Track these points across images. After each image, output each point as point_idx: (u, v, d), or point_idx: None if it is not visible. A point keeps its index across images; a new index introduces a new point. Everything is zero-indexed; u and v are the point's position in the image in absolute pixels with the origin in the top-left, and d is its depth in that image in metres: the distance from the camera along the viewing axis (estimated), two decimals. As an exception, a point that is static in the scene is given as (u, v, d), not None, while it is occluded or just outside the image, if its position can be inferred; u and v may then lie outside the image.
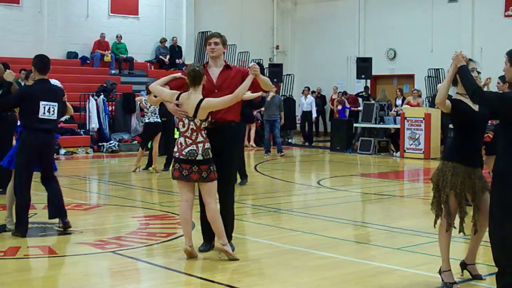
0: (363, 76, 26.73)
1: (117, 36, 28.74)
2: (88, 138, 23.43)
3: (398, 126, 22.67)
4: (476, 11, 27.96)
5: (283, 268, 7.83)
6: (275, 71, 29.08)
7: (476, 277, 7.11)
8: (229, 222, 8.41)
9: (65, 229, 9.60)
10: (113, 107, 24.94)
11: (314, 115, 28.61)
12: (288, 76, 30.88)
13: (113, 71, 28.20)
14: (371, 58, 26.99)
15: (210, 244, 8.48)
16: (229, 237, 8.36)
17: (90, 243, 9.00)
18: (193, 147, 7.91)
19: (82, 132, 23.60)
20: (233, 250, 8.18)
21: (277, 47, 34.25)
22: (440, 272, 6.96)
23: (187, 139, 7.96)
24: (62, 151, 21.97)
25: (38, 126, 9.24)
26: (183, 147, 7.96)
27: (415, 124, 21.90)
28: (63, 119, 23.12)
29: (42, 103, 9.25)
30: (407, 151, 22.15)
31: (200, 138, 7.94)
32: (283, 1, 34.64)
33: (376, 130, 23.98)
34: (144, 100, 17.05)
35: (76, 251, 8.66)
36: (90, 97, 23.91)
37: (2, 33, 26.01)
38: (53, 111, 9.36)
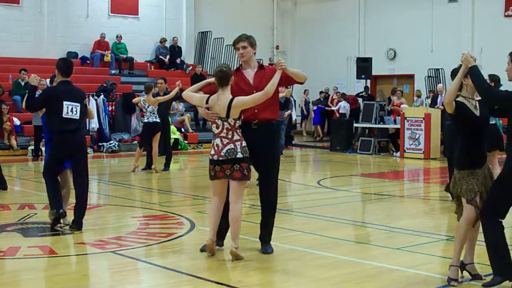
0: (363, 76, 26.73)
1: (117, 36, 28.73)
2: (88, 138, 23.41)
3: (398, 126, 22.67)
4: (476, 11, 27.96)
5: (283, 268, 7.82)
6: (275, 71, 28.92)
7: (476, 277, 7.11)
8: (269, 226, 8.56)
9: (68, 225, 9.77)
10: (113, 107, 24.96)
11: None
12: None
13: (113, 71, 28.19)
14: (371, 58, 27.00)
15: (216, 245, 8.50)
16: (267, 241, 8.51)
17: (90, 243, 9.00)
18: (231, 146, 7.92)
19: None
20: (271, 251, 8.39)
21: (277, 47, 34.25)
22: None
23: (223, 139, 7.96)
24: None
25: (63, 126, 9.55)
26: (220, 148, 7.96)
27: (415, 124, 21.90)
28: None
29: (65, 103, 9.57)
30: (407, 151, 22.16)
31: (236, 137, 7.95)
32: (283, 1, 34.65)
33: (376, 130, 24.01)
34: (143, 100, 17.05)
35: (76, 251, 8.67)
36: (90, 97, 23.88)
37: (2, 33, 26.02)
38: (76, 111, 9.68)
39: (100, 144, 23.58)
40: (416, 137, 21.86)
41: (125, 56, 28.78)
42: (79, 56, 28.20)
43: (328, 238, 9.47)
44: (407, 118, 22.14)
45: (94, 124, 23.72)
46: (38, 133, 20.00)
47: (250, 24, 32.06)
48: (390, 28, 30.33)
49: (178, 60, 30.16)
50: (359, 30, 31.96)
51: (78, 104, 9.72)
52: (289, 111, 21.48)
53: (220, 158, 7.94)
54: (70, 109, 9.59)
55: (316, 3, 33.73)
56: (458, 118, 6.96)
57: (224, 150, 7.92)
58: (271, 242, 8.55)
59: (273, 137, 8.44)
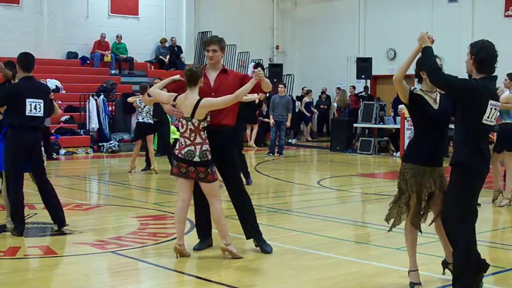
0: (363, 76, 26.75)
1: (117, 36, 28.74)
2: (88, 138, 23.45)
3: (398, 126, 22.67)
4: (476, 11, 27.95)
5: (283, 268, 7.83)
6: (275, 71, 29.05)
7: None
8: (250, 220, 8.54)
9: (59, 227, 9.58)
10: (113, 107, 24.96)
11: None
12: (288, 76, 30.86)
13: (113, 71, 28.20)
14: (371, 58, 27.01)
15: (205, 243, 8.57)
16: (259, 232, 8.52)
17: (90, 243, 9.00)
18: (191, 148, 7.92)
19: (82, 132, 23.60)
20: (270, 251, 8.38)
21: (277, 47, 34.23)
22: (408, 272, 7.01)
23: (186, 140, 7.98)
24: (62, 151, 21.98)
25: (25, 124, 9.21)
26: (182, 146, 7.98)
27: (415, 124, 21.85)
28: (62, 119, 23.18)
29: (28, 100, 9.24)
30: (407, 151, 22.12)
31: (198, 139, 7.93)
32: (283, 1, 34.63)
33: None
34: (139, 100, 17.05)
35: (76, 251, 8.66)
36: (90, 97, 23.92)
37: (2, 33, 26.01)
38: (40, 108, 9.34)
39: (100, 144, 23.58)
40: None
41: (125, 56, 28.79)
42: (79, 56, 28.22)
43: (328, 238, 9.48)
44: (407, 118, 22.11)
45: (94, 124, 23.73)
46: (45, 133, 20.02)
47: (250, 24, 32.11)
48: (390, 28, 30.31)
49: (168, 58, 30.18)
50: (359, 30, 31.95)
51: (42, 101, 9.39)
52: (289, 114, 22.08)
53: (180, 156, 7.97)
54: (33, 107, 9.26)
55: (316, 3, 33.72)
56: (413, 111, 6.88)
57: (184, 150, 7.94)
58: (272, 243, 8.56)
59: (227, 143, 8.41)
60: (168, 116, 17.27)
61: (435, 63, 6.50)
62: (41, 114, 9.38)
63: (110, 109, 24.72)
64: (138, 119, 17.50)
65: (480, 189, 6.54)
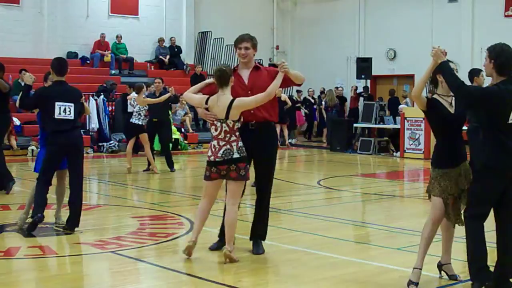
0: (363, 76, 26.76)
1: (117, 36, 28.74)
2: (88, 138, 23.42)
3: (398, 126, 22.67)
4: (476, 11, 27.95)
5: (283, 269, 7.83)
6: (275, 71, 28.91)
7: (452, 277, 7.12)
8: (265, 222, 8.60)
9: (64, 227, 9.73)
10: (113, 107, 24.95)
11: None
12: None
13: (113, 71, 28.19)
14: (371, 58, 27.02)
15: (222, 244, 8.46)
16: (263, 237, 8.53)
17: (90, 243, 9.01)
18: (227, 146, 7.86)
19: (82, 132, 23.57)
20: (262, 252, 8.39)
21: (277, 47, 34.24)
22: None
23: (220, 141, 7.90)
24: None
25: (56, 127, 9.47)
26: (217, 149, 7.90)
27: (415, 124, 21.91)
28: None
29: (57, 104, 9.45)
30: (407, 151, 22.17)
31: (233, 138, 7.89)
32: (283, 1, 34.64)
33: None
34: (133, 99, 17.04)
35: (76, 251, 8.68)
36: (90, 97, 23.91)
37: (2, 33, 26.00)
38: (70, 111, 9.54)
39: (100, 144, 23.59)
40: (416, 137, 21.87)
41: (125, 56, 28.78)
42: (79, 56, 28.22)
43: (328, 238, 9.48)
44: (407, 118, 22.15)
45: (94, 124, 23.74)
46: None
47: (250, 24, 31.98)
48: (390, 28, 30.31)
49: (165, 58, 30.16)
50: (359, 30, 31.95)
51: (72, 104, 9.58)
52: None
53: (217, 159, 7.89)
54: (62, 110, 9.47)
55: (316, 3, 33.72)
56: (431, 116, 6.95)
57: (221, 151, 7.87)
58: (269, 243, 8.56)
59: (271, 139, 8.42)
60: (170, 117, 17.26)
61: (457, 78, 6.58)
62: (71, 117, 9.56)
63: (110, 109, 24.72)
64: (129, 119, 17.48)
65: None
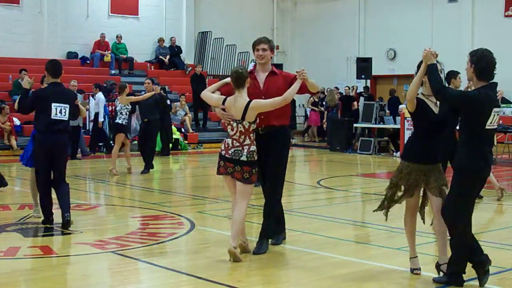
0: (363, 76, 26.76)
1: (117, 36, 28.76)
2: (88, 138, 23.41)
3: (398, 126, 22.66)
4: (476, 11, 27.97)
5: (283, 268, 7.84)
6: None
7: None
8: (281, 220, 8.82)
9: (64, 226, 9.77)
10: (113, 107, 24.90)
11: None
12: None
13: (113, 71, 28.22)
14: (371, 58, 27.02)
15: (265, 243, 8.50)
16: (267, 235, 8.56)
17: (90, 243, 9.01)
18: (238, 148, 7.93)
19: (82, 132, 23.55)
20: (263, 252, 8.35)
21: (277, 47, 34.13)
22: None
23: (234, 141, 7.98)
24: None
25: (50, 127, 9.77)
26: (230, 147, 7.99)
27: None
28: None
29: (53, 104, 9.78)
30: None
31: (247, 141, 7.96)
32: (283, 1, 34.66)
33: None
34: (117, 99, 17.04)
35: (76, 251, 8.67)
36: (90, 97, 23.89)
37: (2, 33, 26.01)
38: (65, 112, 9.88)
39: (100, 144, 23.56)
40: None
41: (125, 56, 28.80)
42: (79, 56, 28.25)
43: (328, 238, 9.48)
44: (407, 118, 22.10)
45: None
46: (76, 133, 20.51)
47: (250, 24, 32.09)
48: (390, 28, 30.33)
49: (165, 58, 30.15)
50: (359, 30, 31.97)
51: (67, 105, 9.92)
52: None
53: (227, 156, 7.99)
54: (58, 110, 9.82)
55: (316, 3, 33.74)
56: (418, 116, 7.11)
57: (232, 150, 7.96)
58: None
59: (281, 144, 8.44)
60: (171, 116, 17.18)
61: (441, 82, 6.78)
62: (65, 117, 9.91)
63: (110, 109, 24.69)
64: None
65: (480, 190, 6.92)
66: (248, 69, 8.60)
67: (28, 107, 10.13)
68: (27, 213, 10.98)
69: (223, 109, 8.11)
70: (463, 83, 9.46)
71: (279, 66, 29.70)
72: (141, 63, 29.62)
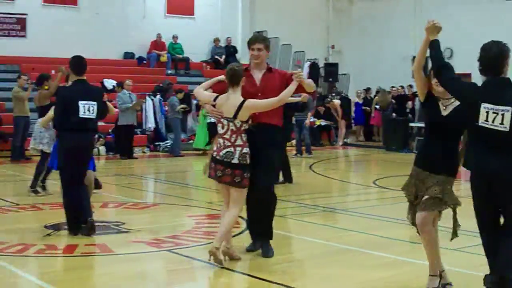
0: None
1: (173, 37, 28.97)
2: (145, 137, 23.65)
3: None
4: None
5: (337, 268, 7.83)
6: (331, 71, 28.93)
7: (445, 286, 6.96)
8: (267, 223, 8.38)
9: (89, 231, 9.37)
10: (167, 107, 25.10)
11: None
12: (343, 75, 30.70)
13: (169, 71, 28.42)
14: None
15: (258, 243, 8.41)
16: (268, 236, 8.36)
17: (146, 242, 9.09)
18: (230, 149, 7.75)
19: (138, 132, 23.78)
20: (271, 255, 8.17)
21: (333, 46, 34.07)
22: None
23: (225, 141, 7.80)
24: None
25: (79, 126, 9.34)
26: (221, 147, 7.81)
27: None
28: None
29: (81, 102, 9.32)
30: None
31: (239, 141, 7.77)
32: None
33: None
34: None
35: (132, 249, 8.75)
36: (147, 97, 24.09)
37: (60, 34, 26.22)
38: (93, 110, 9.43)
39: (157, 143, 23.75)
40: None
41: (181, 56, 29.00)
42: (136, 56, 28.52)
43: (381, 238, 9.44)
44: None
45: (150, 124, 23.87)
46: (127, 132, 20.97)
47: (305, 23, 32.02)
48: (446, 27, 29.46)
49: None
50: (414, 29, 31.66)
51: (95, 103, 9.47)
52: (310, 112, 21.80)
53: (218, 158, 7.80)
54: (87, 109, 9.36)
55: (371, 1, 33.50)
56: (424, 111, 7.01)
57: (224, 151, 7.76)
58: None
59: (271, 142, 8.12)
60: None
61: (442, 59, 6.57)
62: (93, 116, 9.45)
63: (166, 109, 24.87)
64: None
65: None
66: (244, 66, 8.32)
67: (61, 111, 9.54)
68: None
69: (214, 106, 7.91)
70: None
71: (334, 65, 29.64)
72: (197, 63, 29.76)
